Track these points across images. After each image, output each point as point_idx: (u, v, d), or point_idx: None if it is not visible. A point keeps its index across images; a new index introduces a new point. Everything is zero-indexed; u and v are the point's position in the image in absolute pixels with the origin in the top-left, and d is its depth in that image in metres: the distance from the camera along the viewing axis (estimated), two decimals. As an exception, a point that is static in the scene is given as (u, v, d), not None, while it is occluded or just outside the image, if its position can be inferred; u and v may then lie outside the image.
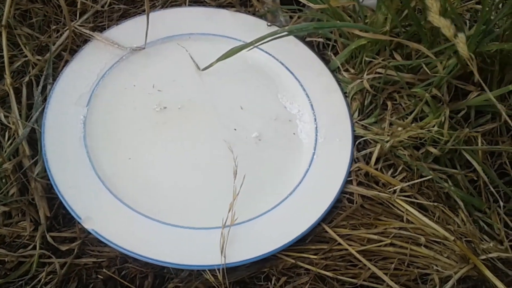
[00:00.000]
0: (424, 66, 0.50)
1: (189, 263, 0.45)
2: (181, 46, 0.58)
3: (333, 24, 0.53)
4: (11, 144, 0.49)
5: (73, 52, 0.56)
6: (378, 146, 0.51)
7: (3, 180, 0.48)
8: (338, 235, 0.48)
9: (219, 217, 0.46)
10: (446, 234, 0.48)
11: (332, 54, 0.59)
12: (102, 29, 0.58)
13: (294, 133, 0.55)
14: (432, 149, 0.51)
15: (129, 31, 0.58)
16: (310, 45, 0.60)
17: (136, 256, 0.44)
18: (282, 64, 0.59)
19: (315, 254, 0.48)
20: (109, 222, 0.46)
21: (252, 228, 0.48)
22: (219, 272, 0.44)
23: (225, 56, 0.53)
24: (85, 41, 0.57)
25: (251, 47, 0.51)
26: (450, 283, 0.47)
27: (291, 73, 0.58)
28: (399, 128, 0.53)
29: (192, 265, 0.45)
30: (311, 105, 0.56)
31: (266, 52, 0.59)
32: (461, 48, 0.42)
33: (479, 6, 0.58)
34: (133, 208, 0.47)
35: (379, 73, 0.53)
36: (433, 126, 0.50)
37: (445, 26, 0.42)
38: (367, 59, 0.52)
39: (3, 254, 0.45)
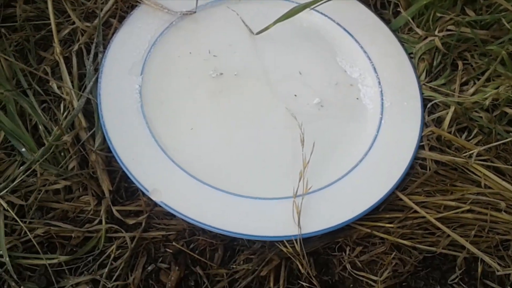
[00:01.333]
0: (503, 20, 0.46)
1: (263, 234, 0.43)
2: (231, 9, 0.55)
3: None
4: (66, 116, 0.47)
5: (121, 18, 0.53)
6: (452, 108, 0.48)
7: (62, 154, 0.46)
8: (413, 202, 0.46)
9: (287, 187, 0.44)
10: (528, 198, 0.46)
11: (391, 14, 0.56)
12: (148, -7, 0.55)
13: (357, 98, 0.52)
14: (508, 110, 0.48)
15: (177, -6, 0.55)
16: (367, 4, 0.57)
17: (208, 227, 0.42)
18: (340, 25, 0.56)
19: (390, 223, 0.46)
20: (177, 194, 0.44)
21: (324, 197, 0.45)
22: (296, 243, 0.42)
23: (284, 17, 0.50)
24: (132, 6, 0.54)
25: (314, 6, 0.48)
26: (533, 249, 0.45)
27: (350, 34, 0.55)
28: (471, 89, 0.50)
29: (266, 236, 0.43)
30: (374, 68, 0.53)
31: (322, 14, 0.56)
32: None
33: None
34: (200, 179, 0.45)
35: (450, 30, 0.50)
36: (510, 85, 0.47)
37: None
38: (438, 15, 0.49)
39: (69, 229, 0.44)
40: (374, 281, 0.44)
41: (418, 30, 0.51)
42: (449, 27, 0.50)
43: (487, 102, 0.46)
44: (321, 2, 0.49)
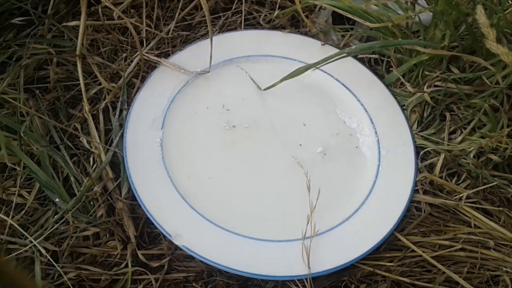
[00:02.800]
0: (484, 78, 0.52)
1: (275, 274, 0.47)
2: (240, 68, 0.62)
3: (397, 42, 0.56)
4: (95, 168, 0.52)
5: (142, 78, 0.59)
6: (442, 155, 0.54)
7: (91, 203, 0.51)
8: (411, 242, 0.51)
9: (296, 230, 0.49)
10: (514, 237, 0.51)
11: (384, 70, 0.62)
12: (166, 55, 0.62)
13: (356, 147, 0.58)
14: (492, 156, 0.54)
15: (191, 56, 0.61)
16: (362, 61, 0.63)
17: (225, 268, 0.47)
18: (338, 81, 0.62)
19: (390, 262, 0.50)
20: (196, 238, 0.48)
21: (330, 239, 0.50)
22: (306, 282, 0.47)
23: (291, 76, 0.56)
24: (151, 67, 0.60)
25: (319, 66, 0.54)
26: (522, 284, 0.49)
27: (348, 89, 0.61)
28: (459, 138, 0.55)
29: (278, 276, 0.47)
30: (370, 119, 0.59)
31: (322, 71, 0.62)
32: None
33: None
34: (217, 224, 0.49)
35: (437, 86, 0.56)
36: (493, 137, 0.53)
37: (503, 53, 0.45)
38: (426, 72, 0.55)
39: (98, 273, 0.48)
40: (378, 317, 0.48)
41: (409, 86, 0.57)
42: (436, 83, 0.56)
43: (472, 153, 0.51)
44: (324, 63, 0.55)
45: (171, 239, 0.48)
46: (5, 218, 0.47)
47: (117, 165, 0.53)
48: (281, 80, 0.58)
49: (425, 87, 0.56)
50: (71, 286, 0.46)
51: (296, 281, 0.47)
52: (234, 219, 0.50)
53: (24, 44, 0.58)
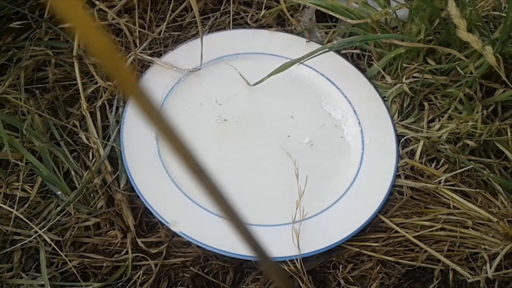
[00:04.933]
0: (458, 68, 0.56)
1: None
2: (230, 65, 0.65)
3: (376, 37, 0.59)
4: (94, 162, 0.55)
5: (136, 77, 0.62)
6: (421, 142, 0.57)
7: (91, 195, 0.53)
8: (394, 224, 0.54)
9: (286, 214, 0.52)
10: (490, 216, 0.54)
11: (366, 64, 0.66)
12: (158, 55, 0.65)
13: (341, 137, 0.61)
14: (469, 142, 0.57)
15: (183, 55, 0.64)
16: (345, 56, 0.67)
17: (220, 252, 0.50)
18: (323, 75, 0.65)
19: (375, 242, 0.53)
20: (193, 224, 0.51)
21: (318, 222, 0.53)
22: (297, 262, 0.50)
23: (277, 71, 0.60)
24: (145, 66, 0.63)
25: (303, 61, 0.58)
26: (498, 259, 0.52)
27: (332, 83, 0.65)
28: (437, 126, 0.59)
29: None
30: (354, 110, 0.62)
31: (308, 66, 0.65)
32: (489, 58, 0.49)
33: (495, 13, 0.64)
34: (212, 211, 0.52)
35: (415, 77, 0.59)
36: (468, 122, 0.57)
37: (473, 41, 0.48)
38: (404, 65, 0.59)
39: (100, 260, 0.50)
40: (365, 293, 0.51)
41: (388, 78, 0.60)
42: (414, 75, 0.59)
43: (444, 136, 0.55)
44: (308, 58, 0.58)
45: (169, 226, 0.51)
46: (11, 210, 0.50)
47: (115, 159, 0.56)
48: (269, 75, 0.61)
49: (404, 78, 0.59)
50: (76, 273, 0.49)
51: (288, 261, 0.50)
52: (228, 206, 0.53)
53: (23, 47, 0.61)
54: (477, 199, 0.56)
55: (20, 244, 0.50)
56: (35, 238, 0.50)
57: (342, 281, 0.52)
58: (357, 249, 0.53)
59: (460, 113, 0.60)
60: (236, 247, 0.50)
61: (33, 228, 0.50)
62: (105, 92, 0.60)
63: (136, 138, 0.56)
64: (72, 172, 0.54)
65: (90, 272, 0.50)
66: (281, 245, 0.51)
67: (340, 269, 0.52)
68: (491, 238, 0.54)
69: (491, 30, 0.60)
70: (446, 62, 0.60)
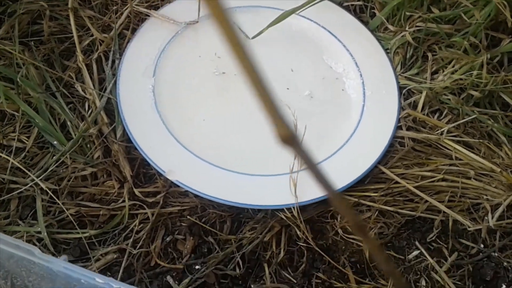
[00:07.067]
0: (463, 15, 0.54)
1: (265, 203, 0.50)
2: (229, 18, 0.63)
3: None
4: (90, 113, 0.54)
5: (133, 30, 0.61)
6: (424, 92, 0.56)
7: (88, 146, 0.53)
8: (394, 174, 0.53)
9: (284, 165, 0.51)
10: (493, 166, 0.53)
11: (369, 16, 0.64)
12: (155, 8, 0.63)
13: (342, 89, 0.60)
14: (473, 92, 0.56)
15: (181, 8, 0.63)
16: (347, 9, 0.65)
17: (218, 200, 0.49)
18: (324, 28, 0.64)
19: (375, 193, 0.53)
20: (190, 174, 0.51)
21: (316, 172, 0.52)
22: (294, 210, 0.49)
23: (275, 22, 0.58)
24: (142, 19, 0.62)
25: (301, 9, 0.56)
26: (500, 209, 0.51)
27: (334, 35, 0.63)
28: (440, 77, 0.57)
29: (268, 205, 0.50)
30: (356, 63, 0.61)
31: (308, 19, 0.64)
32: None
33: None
34: (209, 161, 0.52)
35: (419, 26, 0.57)
36: (472, 70, 0.55)
37: None
38: (408, 13, 0.57)
39: (97, 208, 0.50)
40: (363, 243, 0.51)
41: (391, 27, 0.58)
42: (418, 24, 0.58)
43: (448, 83, 0.53)
44: (306, 6, 0.57)
45: (165, 174, 0.50)
46: (8, 157, 0.50)
47: (111, 111, 0.55)
48: (267, 27, 0.59)
49: (407, 27, 0.57)
50: (73, 221, 0.49)
51: (285, 209, 0.50)
52: (226, 156, 0.53)
53: (17, 0, 0.60)
54: (480, 150, 0.55)
55: (16, 192, 0.50)
56: (31, 186, 0.50)
57: (340, 231, 0.51)
58: (356, 199, 0.52)
59: (465, 65, 0.58)
60: (233, 196, 0.50)
61: (30, 177, 0.50)
62: (101, 44, 0.59)
63: (133, 90, 0.56)
64: (68, 123, 0.54)
65: (87, 221, 0.50)
66: (278, 194, 0.50)
67: (339, 219, 0.52)
68: (494, 188, 0.53)
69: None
70: (451, 10, 0.58)
